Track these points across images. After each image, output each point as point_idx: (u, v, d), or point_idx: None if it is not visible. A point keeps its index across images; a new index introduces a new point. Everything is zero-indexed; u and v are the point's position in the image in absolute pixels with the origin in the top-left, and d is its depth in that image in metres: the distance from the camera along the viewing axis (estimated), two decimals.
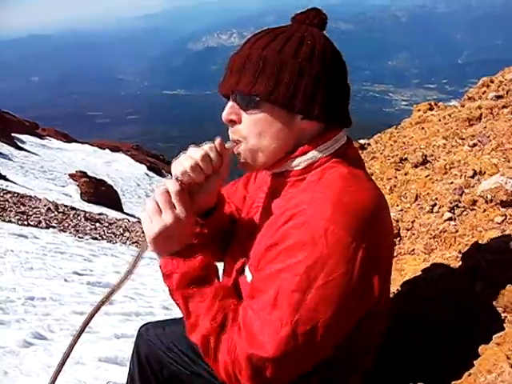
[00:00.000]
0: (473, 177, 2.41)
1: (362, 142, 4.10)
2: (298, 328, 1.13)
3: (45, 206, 10.64)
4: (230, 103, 1.30)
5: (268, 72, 1.21)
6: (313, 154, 1.28)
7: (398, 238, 2.52)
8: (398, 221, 2.60)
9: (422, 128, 3.44)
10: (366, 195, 1.23)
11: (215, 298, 1.24)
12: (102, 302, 1.37)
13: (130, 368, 1.89)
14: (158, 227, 1.24)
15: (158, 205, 1.26)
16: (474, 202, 2.25)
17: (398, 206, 2.73)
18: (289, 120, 1.25)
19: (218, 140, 1.30)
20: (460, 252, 1.99)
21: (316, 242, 1.13)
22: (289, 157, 1.29)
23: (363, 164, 1.39)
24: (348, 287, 1.14)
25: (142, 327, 1.92)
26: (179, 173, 1.27)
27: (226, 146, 1.31)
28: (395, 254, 2.43)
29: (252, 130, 1.27)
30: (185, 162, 1.27)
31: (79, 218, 10.71)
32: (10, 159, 19.95)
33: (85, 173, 19.15)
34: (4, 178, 14.19)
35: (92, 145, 31.79)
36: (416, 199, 2.63)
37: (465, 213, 2.27)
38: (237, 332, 1.19)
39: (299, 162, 1.29)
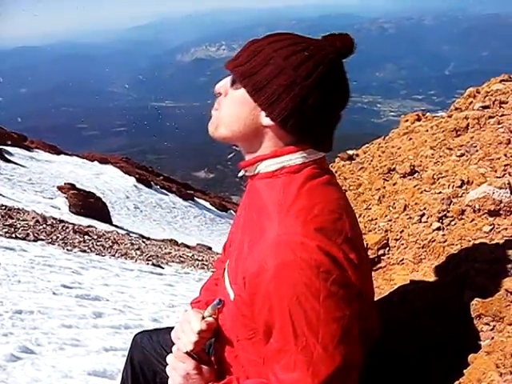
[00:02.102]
0: (460, 186, 2.43)
1: (350, 152, 4.12)
2: (327, 344, 1.12)
3: (33, 218, 10.54)
4: (226, 78, 1.38)
5: (257, 62, 1.27)
6: (284, 159, 1.30)
7: (387, 248, 2.53)
8: (386, 231, 2.61)
9: (410, 138, 3.46)
10: (334, 204, 1.28)
11: None
12: None
13: (122, 375, 1.89)
14: None
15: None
16: (462, 212, 2.26)
17: (386, 216, 2.74)
18: (255, 112, 1.30)
19: (200, 326, 1.36)
20: (448, 261, 2.00)
21: (297, 257, 1.14)
22: (260, 157, 1.33)
23: (335, 177, 1.43)
24: (346, 281, 1.17)
25: (137, 335, 1.93)
26: (189, 350, 1.36)
27: (206, 315, 1.39)
28: (384, 265, 2.44)
29: (226, 104, 1.35)
30: (188, 344, 1.36)
31: (68, 230, 10.61)
32: None
33: (73, 185, 18.99)
34: None
35: (80, 157, 31.57)
36: (404, 209, 2.64)
37: (453, 222, 2.28)
38: None
39: (270, 164, 1.32)
